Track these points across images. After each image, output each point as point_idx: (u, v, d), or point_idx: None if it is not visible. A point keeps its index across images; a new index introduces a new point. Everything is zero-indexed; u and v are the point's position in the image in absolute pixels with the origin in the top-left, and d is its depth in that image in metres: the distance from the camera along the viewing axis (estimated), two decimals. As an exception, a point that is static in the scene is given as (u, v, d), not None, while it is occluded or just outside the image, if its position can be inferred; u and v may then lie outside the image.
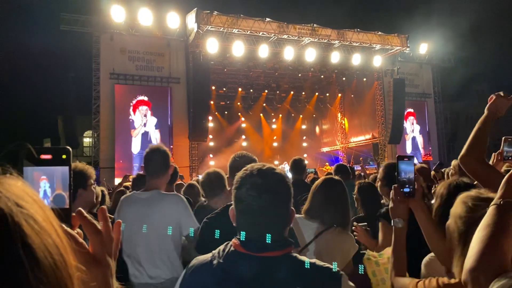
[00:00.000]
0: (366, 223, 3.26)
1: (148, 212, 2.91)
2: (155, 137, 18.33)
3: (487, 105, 2.10)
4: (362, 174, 8.04)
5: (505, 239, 1.06)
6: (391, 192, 1.93)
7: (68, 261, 0.53)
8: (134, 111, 18.03)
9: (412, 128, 24.11)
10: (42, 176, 0.77)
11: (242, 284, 1.30)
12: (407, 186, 1.90)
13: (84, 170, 2.64)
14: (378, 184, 3.46)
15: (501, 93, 2.09)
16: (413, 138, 24.10)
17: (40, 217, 0.51)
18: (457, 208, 1.54)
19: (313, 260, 1.41)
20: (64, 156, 0.79)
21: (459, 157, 2.09)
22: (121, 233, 0.86)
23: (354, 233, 3.06)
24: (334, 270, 1.39)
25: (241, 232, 1.40)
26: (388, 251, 2.91)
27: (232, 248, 1.38)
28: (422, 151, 24.07)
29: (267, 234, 1.37)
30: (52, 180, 0.78)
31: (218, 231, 2.19)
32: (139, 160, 17.37)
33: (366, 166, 11.56)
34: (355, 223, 3.19)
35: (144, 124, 18.17)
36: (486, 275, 1.00)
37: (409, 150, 23.36)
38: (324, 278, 1.34)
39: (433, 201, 2.19)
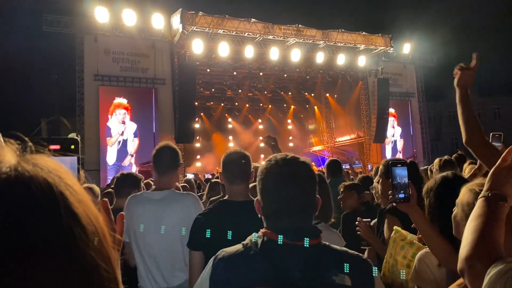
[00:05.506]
0: (369, 219, 3.17)
1: (164, 213, 2.74)
2: (132, 148, 17.49)
3: (455, 81, 2.11)
4: (350, 172, 8.11)
5: (496, 228, 1.10)
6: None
7: (106, 230, 0.56)
8: (111, 115, 17.34)
9: (392, 132, 23.62)
10: None
11: (287, 273, 1.29)
12: (401, 192, 1.90)
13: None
14: (379, 180, 3.35)
15: (463, 65, 2.11)
16: (393, 143, 23.62)
17: (78, 188, 0.54)
18: (464, 196, 1.57)
19: (345, 248, 1.43)
20: (72, 146, 0.80)
21: (464, 143, 2.08)
22: (124, 226, 0.85)
23: (357, 228, 2.98)
24: (364, 257, 1.42)
25: (274, 223, 1.38)
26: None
27: (266, 238, 1.35)
28: (400, 155, 23.18)
29: (300, 223, 1.37)
30: None
31: (210, 228, 2.19)
32: (114, 173, 16.63)
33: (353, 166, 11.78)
34: (359, 218, 3.06)
35: (121, 133, 17.41)
36: (482, 262, 1.02)
37: (389, 155, 22.65)
38: (360, 265, 1.36)
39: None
